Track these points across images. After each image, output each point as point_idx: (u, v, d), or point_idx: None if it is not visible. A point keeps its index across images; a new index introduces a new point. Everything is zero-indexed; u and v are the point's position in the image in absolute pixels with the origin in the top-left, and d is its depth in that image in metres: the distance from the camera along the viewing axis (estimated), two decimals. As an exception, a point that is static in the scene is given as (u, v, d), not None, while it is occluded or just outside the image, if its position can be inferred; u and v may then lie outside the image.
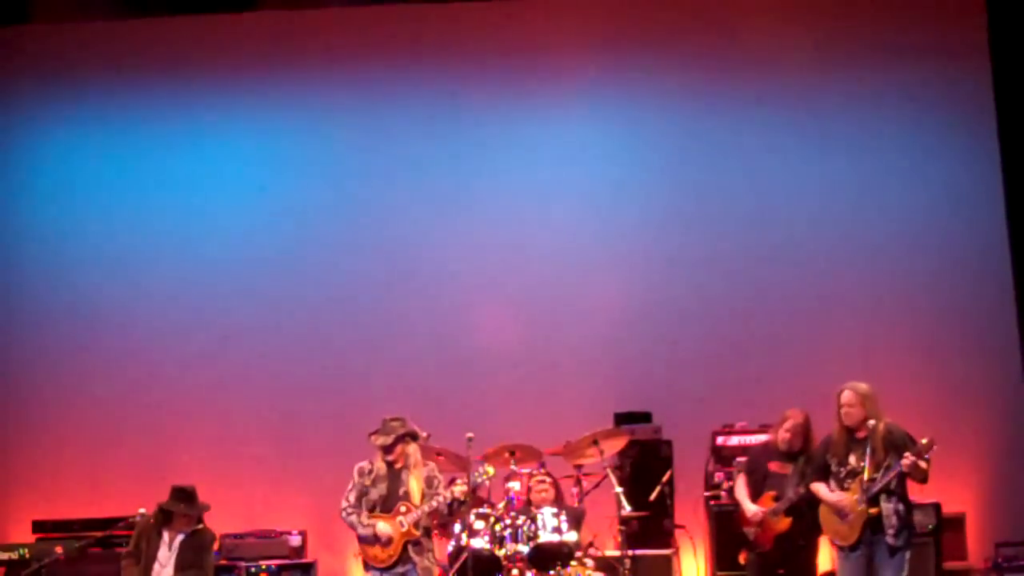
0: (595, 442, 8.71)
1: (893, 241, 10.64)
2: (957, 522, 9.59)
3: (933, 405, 9.72)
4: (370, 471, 7.76)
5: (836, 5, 10.92)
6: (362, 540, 7.69)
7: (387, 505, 7.65)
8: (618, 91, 10.97)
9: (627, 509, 8.56)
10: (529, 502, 8.56)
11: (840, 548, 7.49)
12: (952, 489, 9.57)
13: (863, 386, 7.45)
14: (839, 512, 7.41)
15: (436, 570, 7.83)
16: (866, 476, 7.29)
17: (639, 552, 9.11)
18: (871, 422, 7.35)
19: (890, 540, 7.30)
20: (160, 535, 7.92)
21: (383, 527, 7.56)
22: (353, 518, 7.69)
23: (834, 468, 7.50)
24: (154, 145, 11.13)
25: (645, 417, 10.21)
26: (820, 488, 7.55)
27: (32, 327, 10.96)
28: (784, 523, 7.86)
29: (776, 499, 7.90)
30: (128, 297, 10.95)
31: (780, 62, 10.80)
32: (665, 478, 9.46)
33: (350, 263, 10.98)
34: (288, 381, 10.82)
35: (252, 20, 11.14)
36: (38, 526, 10.08)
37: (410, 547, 7.60)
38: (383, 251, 10.98)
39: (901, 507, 7.35)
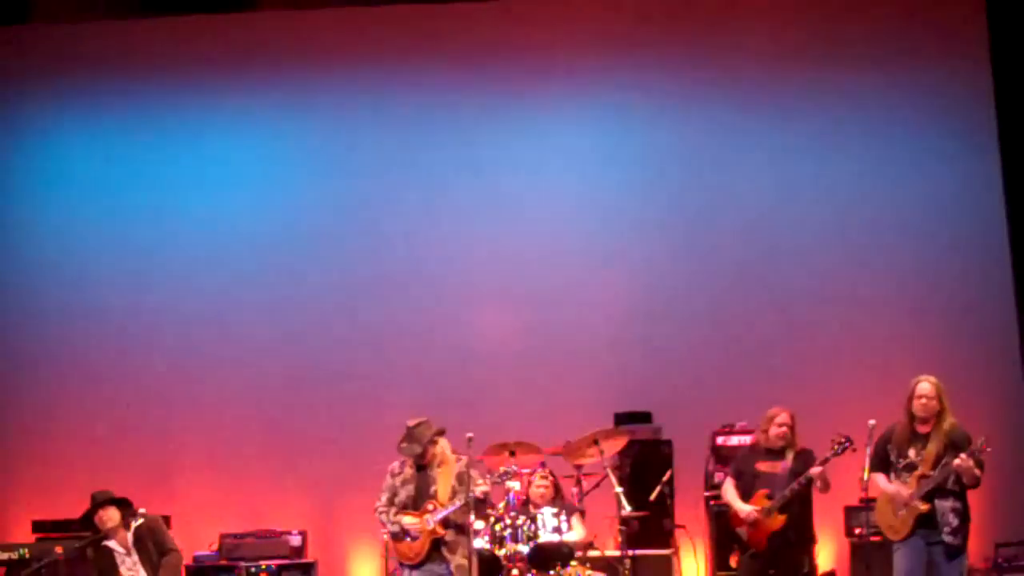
0: (595, 442, 8.71)
1: (893, 241, 10.64)
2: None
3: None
4: (399, 472, 7.77)
5: (835, 5, 10.92)
6: (393, 537, 7.75)
7: (416, 505, 7.65)
8: (618, 91, 10.97)
9: (627, 509, 8.56)
10: (527, 500, 8.55)
11: (892, 541, 7.41)
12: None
13: (935, 379, 7.36)
14: (893, 503, 7.34)
15: (474, 565, 7.64)
16: (922, 471, 7.27)
17: (639, 552, 9.11)
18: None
19: (948, 539, 7.22)
20: (107, 549, 7.83)
21: (408, 520, 7.60)
22: (383, 516, 7.75)
23: (893, 459, 7.42)
24: (154, 145, 11.13)
25: (645, 417, 10.22)
26: (879, 479, 7.44)
27: (33, 327, 10.96)
28: (778, 521, 7.86)
29: (769, 497, 7.90)
30: (129, 297, 10.95)
31: (779, 62, 10.80)
32: (665, 478, 9.46)
33: (350, 263, 10.98)
34: (288, 381, 10.83)
35: (252, 20, 11.15)
36: (38, 526, 10.09)
37: (441, 545, 7.56)
38: (383, 251, 10.98)
39: (959, 506, 7.27)
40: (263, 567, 9.83)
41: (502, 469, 7.99)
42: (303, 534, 10.17)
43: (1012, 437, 10.07)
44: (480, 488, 7.60)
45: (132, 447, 10.57)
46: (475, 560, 7.61)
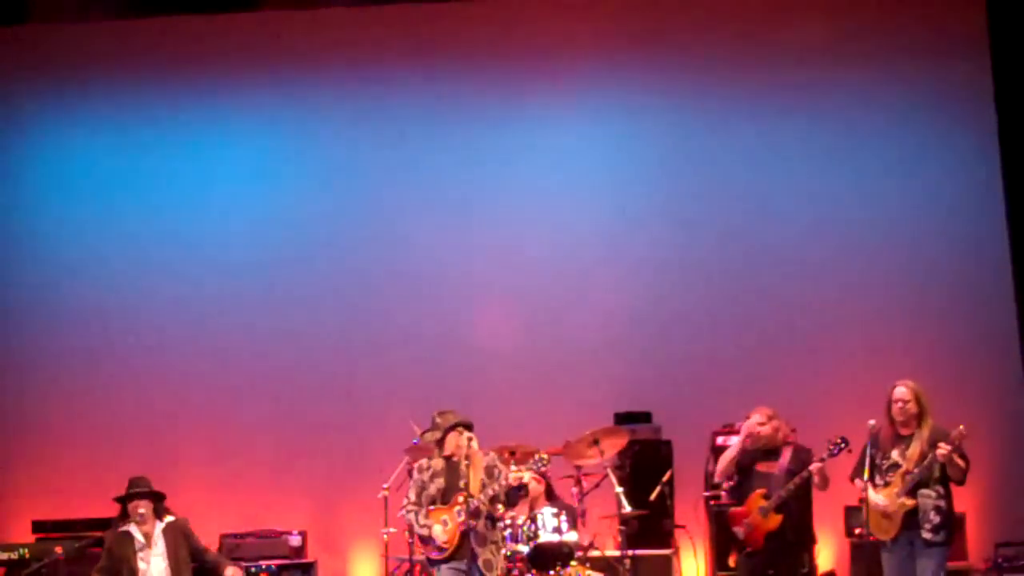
0: (595, 442, 8.72)
1: (892, 241, 10.65)
2: (957, 522, 9.55)
3: (932, 405, 9.70)
4: (428, 467, 7.68)
5: (835, 5, 10.92)
6: (420, 538, 7.62)
7: (446, 498, 7.54)
8: (619, 92, 10.97)
9: (627, 509, 8.56)
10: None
11: (882, 542, 7.45)
12: (952, 489, 9.56)
13: (913, 383, 7.48)
14: (881, 509, 7.39)
15: (501, 561, 7.58)
16: (906, 469, 7.33)
17: (639, 552, 9.12)
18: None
19: (928, 536, 7.30)
20: (128, 535, 7.74)
21: (438, 531, 7.47)
22: (411, 516, 7.62)
23: (878, 460, 7.49)
24: (154, 146, 11.14)
25: (645, 417, 10.23)
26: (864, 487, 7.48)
27: (33, 327, 10.96)
28: (775, 521, 7.85)
29: (765, 497, 7.90)
30: (129, 297, 10.96)
31: (778, 63, 10.80)
32: (665, 478, 9.46)
33: (349, 264, 10.98)
34: (288, 382, 10.83)
35: (252, 20, 11.15)
36: (38, 526, 10.11)
37: (471, 538, 7.43)
38: (382, 252, 10.98)
39: (943, 503, 7.35)
40: (263, 567, 9.83)
41: (537, 457, 7.94)
42: (303, 534, 10.18)
43: (1011, 437, 10.09)
44: (514, 475, 7.51)
45: (132, 447, 10.55)
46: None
